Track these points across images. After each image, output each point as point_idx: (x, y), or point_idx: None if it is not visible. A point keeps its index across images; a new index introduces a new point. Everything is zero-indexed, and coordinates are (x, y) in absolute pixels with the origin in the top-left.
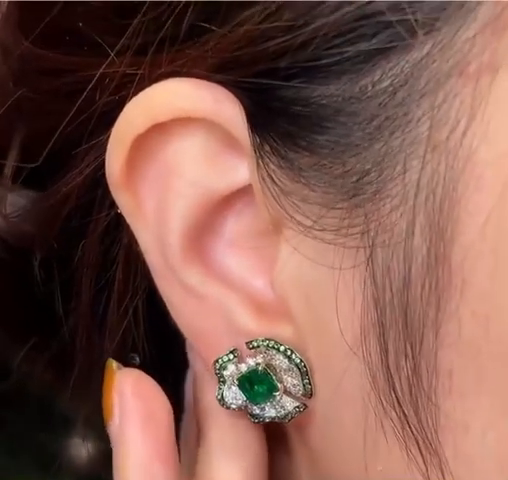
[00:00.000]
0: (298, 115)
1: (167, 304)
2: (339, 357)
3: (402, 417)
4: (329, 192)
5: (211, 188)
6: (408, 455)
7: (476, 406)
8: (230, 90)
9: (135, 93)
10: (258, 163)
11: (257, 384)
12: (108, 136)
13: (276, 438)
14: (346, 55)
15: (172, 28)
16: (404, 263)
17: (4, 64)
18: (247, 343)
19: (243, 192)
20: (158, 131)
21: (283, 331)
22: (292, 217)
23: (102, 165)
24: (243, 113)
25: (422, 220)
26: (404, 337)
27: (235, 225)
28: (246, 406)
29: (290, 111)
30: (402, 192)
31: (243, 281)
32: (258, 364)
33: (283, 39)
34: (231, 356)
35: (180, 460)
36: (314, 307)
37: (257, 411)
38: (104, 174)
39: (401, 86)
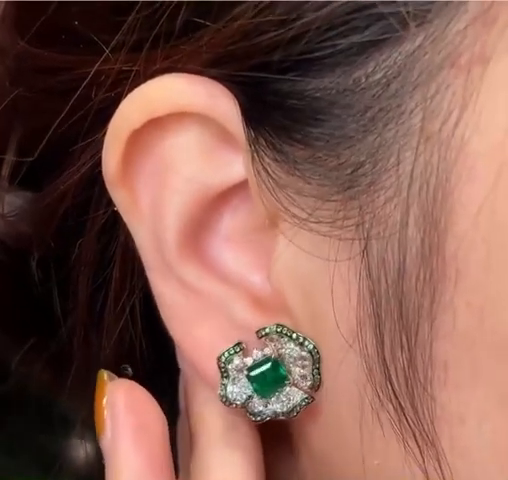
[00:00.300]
0: (293, 108)
1: (158, 301)
2: (336, 350)
3: (399, 409)
4: (324, 184)
5: (207, 184)
6: (405, 448)
7: (471, 397)
8: (225, 85)
9: (130, 89)
10: (253, 157)
11: (269, 373)
12: (104, 133)
13: (280, 438)
14: (339, 47)
15: (167, 24)
16: (399, 254)
17: (0, 64)
18: (257, 332)
19: (239, 188)
20: (154, 127)
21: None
22: (287, 210)
23: (99, 163)
24: (238, 107)
25: (416, 211)
26: (400, 328)
27: (231, 221)
28: (249, 403)
29: (285, 104)
30: (396, 183)
31: (240, 277)
32: (266, 354)
33: (276, 33)
34: (237, 349)
35: (177, 473)
36: (310, 300)
37: (260, 407)
38: (101, 172)
39: (394, 78)
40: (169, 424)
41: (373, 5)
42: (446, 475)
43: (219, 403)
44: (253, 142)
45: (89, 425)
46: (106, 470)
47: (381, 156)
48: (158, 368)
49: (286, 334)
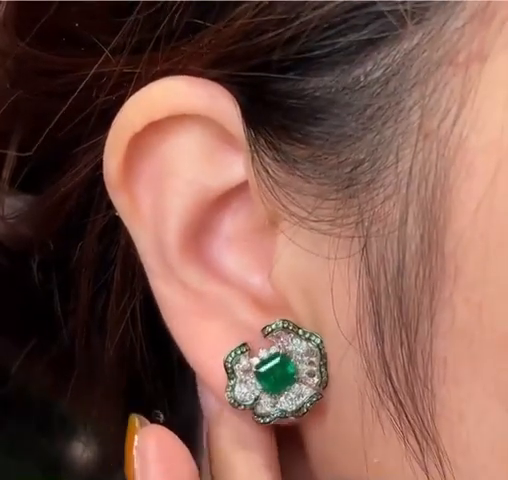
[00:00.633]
0: (292, 108)
1: (160, 305)
2: (336, 348)
3: (399, 406)
4: (324, 183)
5: (207, 186)
6: (405, 445)
7: (471, 394)
8: (225, 86)
9: (133, 92)
10: (253, 157)
11: (278, 368)
12: (106, 136)
13: (283, 438)
14: (338, 46)
15: (167, 26)
16: (398, 252)
17: (1, 66)
18: (263, 329)
19: (239, 190)
20: (155, 129)
21: None
22: (287, 208)
23: (100, 165)
24: (238, 108)
25: (415, 208)
26: (399, 325)
27: (232, 223)
28: (257, 405)
29: (284, 104)
30: (395, 181)
31: (241, 278)
32: (271, 352)
33: (276, 32)
34: (243, 349)
35: None
36: (311, 299)
37: (267, 408)
38: (101, 174)
39: (393, 76)
40: (171, 426)
41: (372, 3)
42: (447, 472)
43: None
44: (253, 142)
45: (91, 427)
46: None
47: (380, 154)
48: (159, 370)
49: (292, 330)
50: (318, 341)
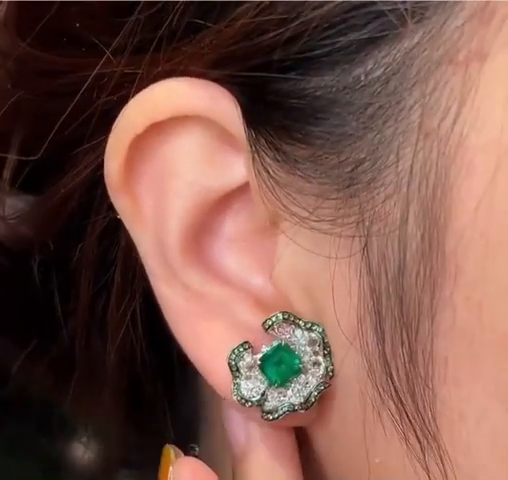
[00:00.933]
0: (293, 108)
1: (162, 306)
2: (337, 348)
3: (400, 406)
4: (325, 183)
5: (208, 187)
6: (407, 445)
7: (471, 393)
8: (226, 87)
9: (134, 93)
10: (254, 157)
11: (282, 359)
12: (107, 137)
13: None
14: (338, 45)
15: (168, 26)
16: (399, 251)
17: (2, 66)
18: (263, 323)
19: (240, 191)
20: (156, 131)
21: None
22: (288, 209)
23: (100, 166)
24: (239, 109)
25: (416, 207)
26: (400, 325)
27: (233, 224)
28: (264, 401)
29: (285, 104)
30: (395, 180)
31: (243, 280)
32: (274, 345)
33: (277, 32)
34: (246, 346)
35: None
36: (312, 299)
37: (274, 402)
38: (102, 175)
39: (393, 75)
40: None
41: (371, 3)
42: (448, 471)
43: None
44: (254, 143)
45: (92, 428)
46: None
47: (381, 153)
48: (159, 371)
49: (293, 321)
50: (320, 330)
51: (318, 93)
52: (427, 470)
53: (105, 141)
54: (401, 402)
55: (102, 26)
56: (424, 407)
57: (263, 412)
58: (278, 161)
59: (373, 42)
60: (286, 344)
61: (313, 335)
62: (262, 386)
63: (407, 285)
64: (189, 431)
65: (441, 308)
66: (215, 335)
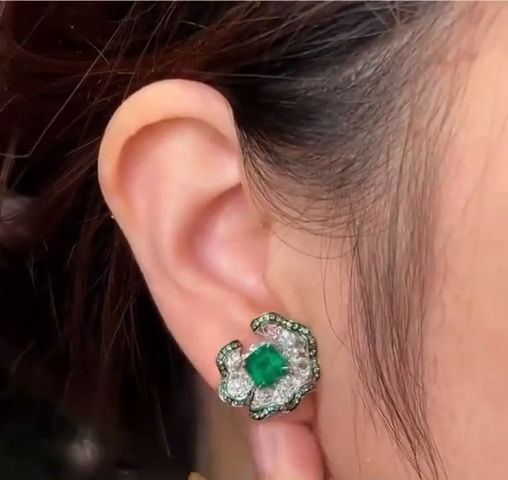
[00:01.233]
0: (284, 109)
1: (159, 306)
2: (328, 348)
3: (390, 405)
4: (315, 183)
5: (201, 189)
6: (398, 444)
7: (461, 392)
8: (218, 89)
9: (127, 95)
10: (245, 159)
11: (269, 359)
12: (100, 139)
13: None
14: (328, 46)
15: (161, 28)
16: (389, 250)
17: None
18: (252, 323)
19: (232, 193)
20: (149, 133)
21: None
22: (279, 209)
23: (94, 168)
24: (231, 111)
25: (405, 207)
26: (390, 324)
27: (225, 225)
28: (251, 400)
29: (277, 106)
30: (385, 180)
31: (236, 280)
32: (262, 346)
33: (268, 33)
34: (234, 345)
35: None
36: (304, 299)
37: (261, 403)
38: (96, 177)
39: (383, 75)
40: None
41: (360, 3)
42: (439, 470)
43: None
44: (245, 144)
45: (90, 429)
46: None
47: (371, 153)
48: (155, 372)
49: (280, 322)
50: (306, 332)
51: (309, 94)
52: (418, 469)
53: (99, 143)
54: (392, 401)
55: (96, 28)
56: (414, 406)
57: (250, 411)
58: (269, 162)
59: (363, 42)
60: (272, 345)
61: (299, 337)
62: (248, 386)
63: (397, 284)
64: (186, 432)
65: (430, 307)
66: (209, 335)
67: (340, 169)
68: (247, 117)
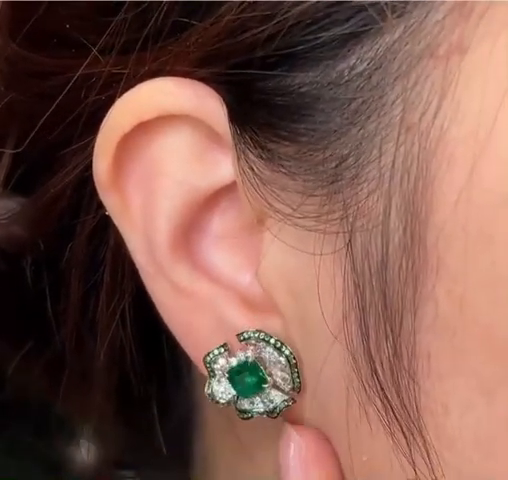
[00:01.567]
0: (278, 105)
1: (156, 303)
2: (323, 344)
3: (385, 401)
4: (309, 179)
5: (196, 186)
6: (393, 441)
7: (454, 387)
8: (212, 86)
9: (122, 93)
10: (239, 156)
11: (247, 376)
12: (95, 137)
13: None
14: (321, 41)
15: (154, 25)
16: (382, 245)
17: None
18: (238, 335)
19: (227, 190)
20: (143, 130)
21: (272, 324)
22: (272, 206)
23: (89, 166)
24: (224, 108)
25: (398, 201)
26: (384, 319)
27: (220, 222)
28: (235, 401)
29: (270, 102)
30: (378, 175)
31: (230, 278)
32: (248, 357)
33: (261, 29)
34: (222, 350)
35: None
36: (297, 295)
37: (246, 406)
38: (91, 175)
39: (376, 69)
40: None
41: None
42: (435, 466)
43: None
44: (239, 141)
45: (88, 427)
46: None
47: (364, 149)
48: (151, 371)
49: (264, 339)
50: (287, 353)
51: (303, 90)
52: (413, 464)
53: (94, 141)
54: (386, 397)
55: (89, 26)
56: (409, 401)
57: (236, 409)
58: (263, 159)
59: (356, 37)
60: (254, 360)
61: (281, 355)
62: (232, 391)
63: (390, 279)
64: (183, 430)
65: (423, 302)
66: (204, 331)
67: (333, 165)
68: (241, 114)
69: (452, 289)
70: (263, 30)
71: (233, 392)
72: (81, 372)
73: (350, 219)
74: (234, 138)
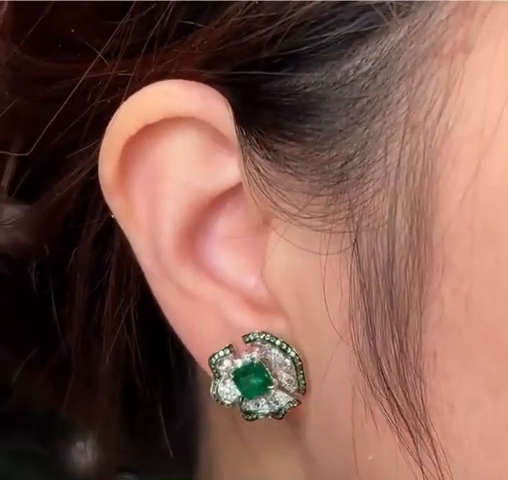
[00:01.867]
0: (283, 106)
1: (161, 305)
2: (328, 345)
3: (391, 400)
4: (315, 179)
5: (201, 188)
6: (399, 438)
7: (460, 385)
8: (217, 88)
9: (127, 96)
10: (245, 157)
11: (252, 378)
12: (101, 140)
13: (277, 439)
14: (326, 41)
15: (160, 28)
16: (388, 244)
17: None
18: (244, 337)
19: (232, 192)
20: (149, 133)
21: (278, 325)
22: (278, 206)
23: (95, 170)
24: (230, 110)
25: (404, 200)
26: (390, 318)
27: (226, 224)
28: (240, 402)
29: (276, 103)
30: (383, 174)
31: (235, 280)
32: (253, 358)
33: (266, 30)
34: (227, 351)
35: None
36: (303, 296)
37: (251, 407)
38: (97, 179)
39: (381, 69)
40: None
41: None
42: (441, 464)
43: None
44: (245, 142)
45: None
46: None
47: (369, 148)
48: (157, 375)
49: (269, 341)
50: (293, 354)
51: (308, 90)
52: (420, 463)
53: (99, 145)
54: (392, 396)
55: (94, 30)
56: (415, 400)
57: (241, 411)
58: (268, 159)
59: (360, 36)
60: (261, 362)
61: (287, 357)
62: (238, 392)
63: (396, 279)
64: (188, 434)
65: (430, 301)
66: (209, 333)
67: (339, 165)
68: (246, 115)
69: (458, 288)
70: (268, 31)
71: (238, 393)
72: (86, 377)
73: (356, 219)
74: (240, 140)
